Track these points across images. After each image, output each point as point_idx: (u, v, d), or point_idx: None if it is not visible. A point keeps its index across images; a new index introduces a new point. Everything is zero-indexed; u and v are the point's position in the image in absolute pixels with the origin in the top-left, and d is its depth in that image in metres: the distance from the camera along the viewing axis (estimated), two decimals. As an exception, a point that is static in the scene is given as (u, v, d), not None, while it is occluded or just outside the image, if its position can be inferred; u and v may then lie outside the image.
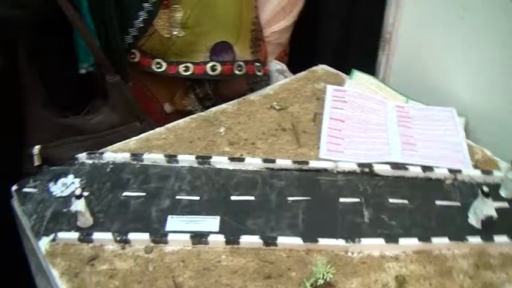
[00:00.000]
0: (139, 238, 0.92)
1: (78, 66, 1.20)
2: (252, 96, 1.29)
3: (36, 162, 1.09)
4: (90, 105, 1.19)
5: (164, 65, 1.23)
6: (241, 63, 1.27)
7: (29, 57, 1.11)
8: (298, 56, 1.63)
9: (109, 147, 1.11)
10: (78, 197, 0.92)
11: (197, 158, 1.07)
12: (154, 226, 0.95)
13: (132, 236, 0.93)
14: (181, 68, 1.24)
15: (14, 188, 1.02)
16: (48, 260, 0.91)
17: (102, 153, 1.09)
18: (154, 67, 1.24)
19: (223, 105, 1.25)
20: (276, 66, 1.52)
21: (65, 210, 0.98)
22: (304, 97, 1.28)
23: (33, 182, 1.04)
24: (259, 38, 1.32)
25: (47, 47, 1.16)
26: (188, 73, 1.23)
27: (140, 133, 1.17)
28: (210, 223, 0.95)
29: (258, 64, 1.32)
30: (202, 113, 1.22)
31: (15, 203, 1.02)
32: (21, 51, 1.11)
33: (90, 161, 1.09)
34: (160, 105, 1.35)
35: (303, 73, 1.38)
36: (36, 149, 1.10)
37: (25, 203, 1.00)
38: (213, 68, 1.23)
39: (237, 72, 1.25)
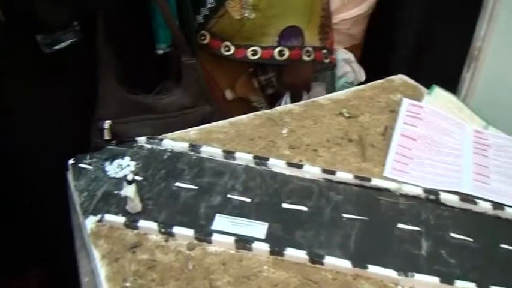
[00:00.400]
0: (184, 233, 0.89)
1: (156, 46, 1.18)
2: (322, 100, 1.22)
3: (106, 136, 1.09)
4: (162, 85, 1.18)
5: (232, 48, 1.20)
6: (310, 49, 1.22)
7: (107, 33, 1.10)
8: (372, 56, 1.53)
9: (169, 135, 1.08)
10: (130, 182, 0.90)
11: (255, 157, 1.02)
12: (201, 222, 0.92)
13: (177, 229, 0.90)
14: (249, 51, 1.20)
15: (71, 162, 1.02)
16: (92, 240, 0.89)
17: (161, 139, 1.07)
18: (223, 50, 1.21)
19: (290, 105, 1.20)
20: (342, 55, 1.41)
21: (116, 192, 0.97)
22: (376, 107, 1.20)
23: (89, 159, 1.03)
24: (328, 24, 1.27)
25: (126, 24, 1.15)
26: (256, 57, 1.20)
27: (209, 117, 1.15)
28: (257, 229, 0.91)
29: (325, 51, 1.27)
30: (267, 111, 1.17)
31: (70, 176, 1.02)
32: (100, 25, 1.09)
33: (149, 146, 1.06)
34: (221, 91, 1.31)
35: (379, 81, 1.29)
36: (107, 123, 1.09)
37: (78, 179, 0.99)
38: (280, 53, 1.18)
39: (305, 57, 1.20)
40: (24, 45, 1.03)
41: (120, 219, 0.91)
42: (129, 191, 0.90)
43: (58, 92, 1.10)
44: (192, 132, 1.10)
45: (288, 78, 1.28)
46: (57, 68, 1.07)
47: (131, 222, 0.91)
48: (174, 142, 1.06)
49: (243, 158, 1.03)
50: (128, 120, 1.12)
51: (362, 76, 1.46)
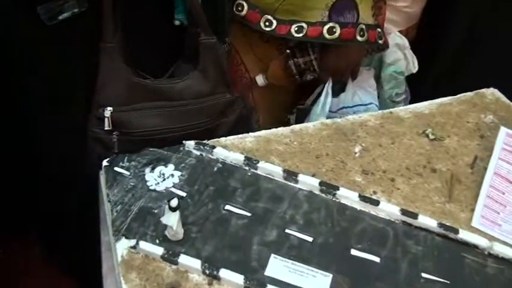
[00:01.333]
0: (232, 279, 0.72)
1: (174, 16, 0.98)
2: (402, 112, 1.01)
3: (107, 127, 0.90)
4: (176, 67, 0.97)
5: (274, 23, 0.98)
6: (363, 27, 0.99)
7: (114, 2, 0.89)
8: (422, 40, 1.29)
9: (222, 140, 0.90)
10: (174, 209, 0.72)
11: (321, 184, 0.83)
12: (252, 265, 0.75)
13: (224, 273, 0.73)
14: (293, 28, 0.99)
15: (105, 164, 0.85)
16: (123, 271, 0.73)
17: (213, 146, 0.88)
18: (262, 24, 0.99)
19: (365, 116, 1.00)
20: (396, 39, 1.18)
21: (155, 210, 0.79)
22: (465, 129, 0.99)
23: (127, 162, 0.86)
24: None
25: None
26: (301, 35, 0.98)
27: (229, 108, 0.96)
28: (319, 281, 0.74)
29: (379, 30, 1.04)
30: (338, 120, 0.97)
31: (102, 180, 0.85)
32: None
33: (197, 152, 0.88)
34: (249, 76, 1.10)
35: (468, 95, 1.07)
36: (108, 110, 0.90)
37: (112, 186, 0.83)
38: (330, 31, 0.96)
39: (358, 37, 0.98)
40: (29, 18, 0.83)
41: (158, 250, 0.75)
42: (171, 219, 0.72)
43: (64, 67, 0.91)
44: (248, 139, 0.91)
45: (333, 62, 1.06)
46: (61, 41, 0.87)
47: (170, 256, 0.74)
48: (227, 152, 0.88)
49: (307, 183, 0.84)
50: (133, 107, 0.92)
51: (415, 66, 1.23)
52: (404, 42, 1.21)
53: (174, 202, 0.73)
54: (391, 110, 1.02)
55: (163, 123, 0.91)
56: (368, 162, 0.91)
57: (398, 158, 0.93)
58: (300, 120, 1.09)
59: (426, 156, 0.94)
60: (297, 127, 0.96)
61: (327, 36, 0.97)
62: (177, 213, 0.74)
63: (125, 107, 0.91)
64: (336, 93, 1.11)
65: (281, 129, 0.95)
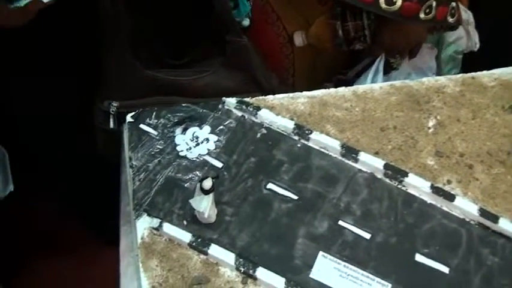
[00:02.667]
0: (271, 282, 0.58)
1: None
2: (486, 78, 0.81)
3: (112, 125, 0.75)
4: (196, 54, 0.79)
5: None
6: (433, 4, 0.79)
7: None
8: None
9: (269, 99, 0.73)
10: (207, 192, 0.57)
11: (387, 167, 0.66)
12: (296, 263, 0.60)
13: (261, 273, 0.59)
14: None
15: (129, 119, 0.70)
16: (142, 255, 0.60)
17: (257, 108, 0.71)
18: None
19: (443, 80, 0.80)
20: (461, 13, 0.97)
21: (185, 182, 0.64)
22: (562, 106, 0.79)
23: (155, 118, 0.71)
24: None
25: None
26: None
27: None
28: (376, 291, 0.58)
29: (453, 5, 0.83)
30: (411, 83, 0.78)
31: (125, 138, 0.70)
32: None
33: (239, 113, 0.72)
34: (286, 34, 0.90)
35: None
36: (114, 106, 0.75)
37: (136, 148, 0.68)
38: (389, 0, 0.75)
39: (422, 15, 0.79)
40: None
41: (185, 236, 0.60)
42: (203, 203, 0.57)
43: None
44: (301, 100, 0.74)
45: (390, 38, 0.86)
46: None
47: (199, 245, 0.60)
48: (274, 116, 0.71)
49: (369, 164, 0.68)
50: (144, 102, 0.76)
51: (476, 43, 1.00)
52: (469, 16, 0.98)
53: (208, 183, 0.58)
54: (473, 74, 0.82)
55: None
56: (443, 141, 0.73)
57: (479, 138, 0.74)
58: None
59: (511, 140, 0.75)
60: (360, 89, 0.78)
61: (383, 5, 0.75)
62: (211, 196, 0.58)
63: (134, 101, 0.75)
64: (386, 69, 0.90)
65: (341, 90, 0.77)
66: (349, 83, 0.94)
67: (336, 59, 0.99)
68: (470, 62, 1.03)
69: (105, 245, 1.00)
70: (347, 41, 0.86)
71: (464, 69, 1.01)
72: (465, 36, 1.00)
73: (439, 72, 0.97)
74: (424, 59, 0.94)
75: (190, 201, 0.59)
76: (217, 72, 0.76)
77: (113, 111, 0.75)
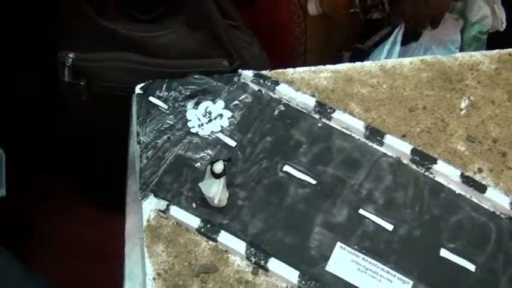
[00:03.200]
0: (283, 275, 0.54)
1: None
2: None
3: (67, 78, 0.70)
4: (161, 12, 0.72)
5: None
6: None
7: None
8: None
9: (289, 73, 0.67)
10: (218, 175, 0.52)
11: (414, 153, 0.61)
12: (312, 254, 0.56)
13: (274, 264, 0.54)
14: None
15: (138, 91, 0.65)
16: (147, 240, 0.56)
17: (276, 82, 0.65)
18: None
19: (477, 55, 0.73)
20: None
21: (195, 162, 0.59)
22: None
23: (165, 91, 0.65)
24: None
25: None
26: None
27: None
28: (395, 287, 0.54)
29: None
30: (443, 59, 0.71)
31: (134, 111, 0.65)
32: None
33: (256, 87, 0.66)
34: (298, 1, 0.82)
35: None
36: (70, 57, 0.69)
37: (145, 123, 0.63)
38: None
39: None
40: None
41: (194, 221, 0.57)
42: (213, 188, 0.53)
43: None
44: (324, 75, 0.68)
45: (411, 7, 0.79)
46: None
47: (208, 231, 0.56)
48: (294, 91, 0.65)
49: (395, 148, 0.62)
50: (101, 57, 0.70)
51: (503, 22, 0.91)
52: None
53: (219, 167, 0.53)
54: (510, 50, 0.74)
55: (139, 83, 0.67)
56: (476, 124, 0.67)
57: (516, 123, 0.67)
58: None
59: (553, 124, 0.68)
60: (388, 63, 0.71)
61: None
62: (222, 180, 0.53)
63: (91, 55, 0.69)
64: (405, 41, 0.83)
65: (368, 64, 0.70)
66: (366, 53, 0.87)
67: (352, 29, 0.92)
68: (496, 43, 0.95)
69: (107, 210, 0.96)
70: (364, 10, 0.79)
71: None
72: (490, 15, 0.91)
73: (462, 49, 0.89)
74: (447, 31, 0.86)
75: (200, 184, 0.55)
76: (178, 31, 0.69)
77: (68, 62, 0.69)
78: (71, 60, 0.70)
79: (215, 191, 0.54)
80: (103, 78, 0.71)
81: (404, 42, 0.85)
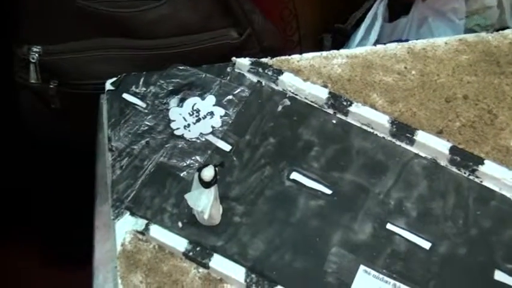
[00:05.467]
0: (293, 308, 0.51)
1: None
2: None
3: (33, 77, 0.68)
4: None
5: None
6: None
7: None
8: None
9: (294, 60, 0.66)
10: (207, 184, 0.50)
11: (453, 151, 0.59)
12: (328, 281, 0.55)
13: (281, 295, 0.51)
14: None
15: (109, 86, 0.64)
16: (122, 268, 0.55)
17: (279, 71, 0.64)
18: None
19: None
20: None
21: (181, 171, 0.58)
22: None
23: (143, 86, 0.64)
24: None
25: None
26: None
27: (237, 54, 0.67)
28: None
29: None
30: (488, 37, 0.70)
31: (104, 113, 0.64)
32: None
33: (254, 78, 0.65)
34: None
35: None
36: (35, 52, 0.67)
37: (117, 126, 0.62)
38: None
39: None
40: None
41: (180, 244, 0.54)
42: (202, 200, 0.50)
43: None
44: (337, 61, 0.68)
45: None
46: None
47: (198, 254, 0.54)
48: (301, 81, 0.65)
49: (430, 146, 0.61)
50: (76, 47, 0.69)
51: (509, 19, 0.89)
52: None
53: (208, 173, 0.51)
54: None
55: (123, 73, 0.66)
56: (528, 117, 0.64)
57: None
58: (338, 45, 0.85)
59: None
60: (418, 44, 0.70)
61: None
62: (213, 190, 0.51)
63: (63, 46, 0.68)
64: (393, 16, 0.84)
65: (392, 47, 0.69)
66: (349, 33, 0.87)
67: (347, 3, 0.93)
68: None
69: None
70: None
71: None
72: (495, 6, 0.88)
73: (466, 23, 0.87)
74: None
75: (186, 196, 0.53)
76: (172, 4, 0.67)
77: (33, 58, 0.67)
78: (37, 55, 0.69)
79: (205, 203, 0.52)
80: (80, 74, 0.69)
81: (392, 18, 0.83)
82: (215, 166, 0.52)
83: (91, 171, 0.68)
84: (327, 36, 0.97)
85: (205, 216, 0.53)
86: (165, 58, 0.68)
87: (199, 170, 0.52)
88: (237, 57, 0.66)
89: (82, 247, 0.65)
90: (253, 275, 0.54)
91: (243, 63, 0.65)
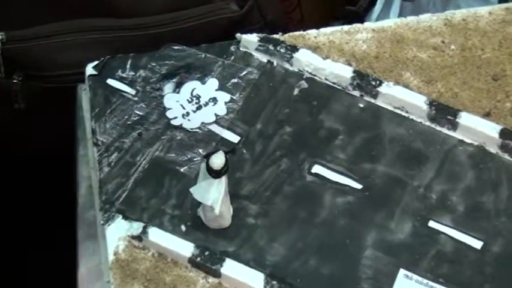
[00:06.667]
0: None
1: None
2: None
3: None
4: None
5: None
6: None
7: None
8: None
9: (311, 35, 0.76)
10: (217, 174, 0.57)
11: (504, 136, 0.68)
12: (363, 287, 0.59)
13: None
14: None
15: (90, 70, 0.73)
16: (116, 281, 0.63)
17: (294, 48, 0.72)
18: None
19: None
20: None
21: (181, 166, 0.66)
22: None
23: (131, 70, 0.72)
24: None
25: None
26: None
27: (237, 29, 0.76)
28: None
29: None
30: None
31: (84, 103, 0.71)
32: None
33: (263, 58, 0.74)
34: None
35: None
36: None
37: (103, 117, 0.70)
38: None
39: None
40: None
41: (185, 249, 0.62)
42: (211, 192, 0.58)
43: None
44: (361, 36, 0.77)
45: None
46: None
47: (207, 260, 0.62)
48: (321, 60, 0.74)
49: (476, 131, 0.69)
50: (44, 31, 0.77)
51: None
52: None
53: (218, 160, 0.58)
54: None
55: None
56: None
57: None
58: None
59: None
60: (456, 15, 0.78)
61: None
62: (223, 181, 0.58)
63: (30, 31, 0.75)
64: None
65: (426, 18, 0.78)
66: (361, 16, 0.97)
67: None
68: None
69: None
70: None
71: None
72: None
73: None
74: None
75: (192, 190, 0.60)
76: None
77: None
78: (0, 43, 0.76)
79: (215, 196, 0.59)
80: (52, 64, 0.77)
81: None
82: (226, 152, 0.59)
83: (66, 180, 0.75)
84: (339, 23, 1.05)
85: (216, 211, 0.59)
86: (153, 39, 0.76)
87: (207, 157, 0.59)
88: (237, 33, 0.74)
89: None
90: (274, 282, 0.61)
91: (250, 40, 0.73)
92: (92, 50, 0.77)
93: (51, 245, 0.89)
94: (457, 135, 0.70)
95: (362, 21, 0.98)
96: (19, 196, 0.94)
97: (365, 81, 0.72)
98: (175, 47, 0.73)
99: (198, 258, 0.62)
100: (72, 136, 0.77)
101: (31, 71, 0.78)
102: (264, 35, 0.74)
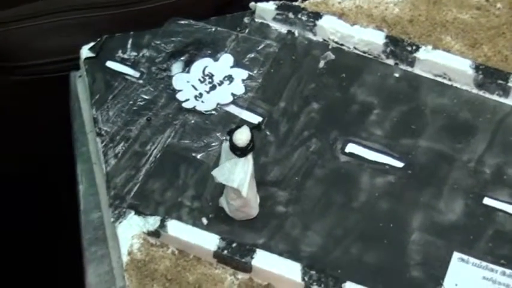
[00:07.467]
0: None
1: None
2: None
3: None
4: None
5: None
6: None
7: None
8: None
9: (334, 0, 0.77)
10: (243, 151, 0.60)
11: None
12: (412, 275, 0.66)
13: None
14: None
15: (86, 52, 0.77)
16: (133, 283, 0.66)
17: (317, 15, 0.76)
18: None
19: None
20: None
21: (197, 153, 0.70)
22: None
23: (132, 50, 0.77)
24: None
25: None
26: None
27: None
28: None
29: None
30: None
31: (80, 90, 0.75)
32: None
33: (283, 28, 0.79)
34: None
35: None
36: None
37: (104, 104, 0.75)
38: None
39: None
40: None
41: (209, 242, 0.65)
42: (237, 173, 0.62)
43: None
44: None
45: None
46: None
47: (234, 253, 0.65)
48: (348, 26, 0.77)
49: None
50: (27, 12, 0.82)
51: None
52: None
53: (243, 136, 0.61)
54: None
55: (81, 42, 0.78)
56: None
57: None
58: None
59: None
60: None
61: None
62: (250, 161, 0.62)
63: (4, 13, 0.80)
64: None
65: None
66: None
67: None
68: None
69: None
70: None
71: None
72: None
73: None
74: None
75: (214, 172, 0.63)
76: None
77: None
78: None
79: (241, 177, 0.62)
80: (37, 50, 0.81)
81: None
82: (252, 128, 0.62)
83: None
84: None
85: (244, 193, 0.63)
86: (151, 15, 0.80)
87: (230, 133, 0.62)
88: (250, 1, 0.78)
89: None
90: (312, 272, 0.64)
91: (266, 8, 0.78)
92: (81, 32, 0.82)
93: (52, 255, 0.92)
94: (509, 101, 0.74)
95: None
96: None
97: (400, 47, 0.75)
98: (181, 22, 0.77)
99: (225, 251, 0.65)
100: (67, 137, 0.81)
101: (9, 62, 0.83)
102: (282, 2, 0.77)
